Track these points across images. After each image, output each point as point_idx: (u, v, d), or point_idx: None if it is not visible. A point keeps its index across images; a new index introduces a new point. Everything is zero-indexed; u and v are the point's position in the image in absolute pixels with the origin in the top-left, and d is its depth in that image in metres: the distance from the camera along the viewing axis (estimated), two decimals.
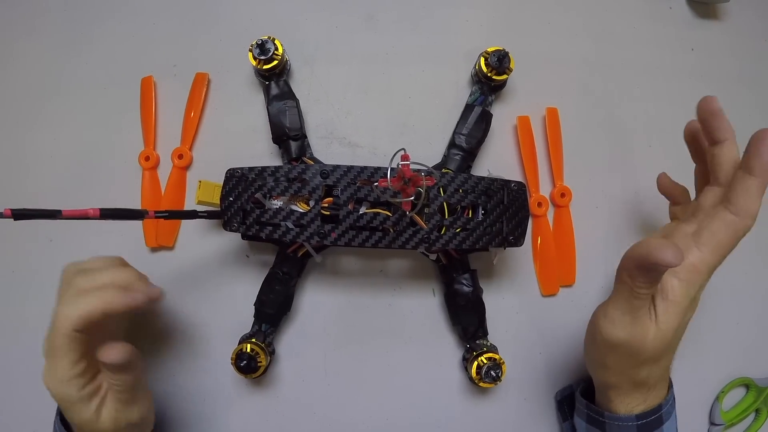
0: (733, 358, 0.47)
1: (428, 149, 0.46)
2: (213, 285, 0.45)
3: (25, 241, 0.46)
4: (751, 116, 0.50)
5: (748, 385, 0.47)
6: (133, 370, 0.34)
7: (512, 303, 0.46)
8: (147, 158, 0.46)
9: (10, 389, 0.46)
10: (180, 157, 0.46)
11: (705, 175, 0.38)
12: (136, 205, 0.46)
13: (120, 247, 0.45)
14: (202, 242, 0.45)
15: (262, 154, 0.46)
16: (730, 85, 0.50)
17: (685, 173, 0.48)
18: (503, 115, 0.47)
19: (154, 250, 0.46)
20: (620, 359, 0.35)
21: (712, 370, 0.47)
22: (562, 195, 0.46)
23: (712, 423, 0.46)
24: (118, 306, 0.33)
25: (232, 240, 0.45)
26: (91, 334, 0.33)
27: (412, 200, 0.35)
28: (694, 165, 0.48)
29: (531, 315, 0.46)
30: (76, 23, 0.49)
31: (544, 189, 0.46)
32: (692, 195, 0.41)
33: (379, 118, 0.47)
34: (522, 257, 0.46)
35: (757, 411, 0.48)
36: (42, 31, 0.49)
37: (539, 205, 0.45)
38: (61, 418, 0.36)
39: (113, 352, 0.33)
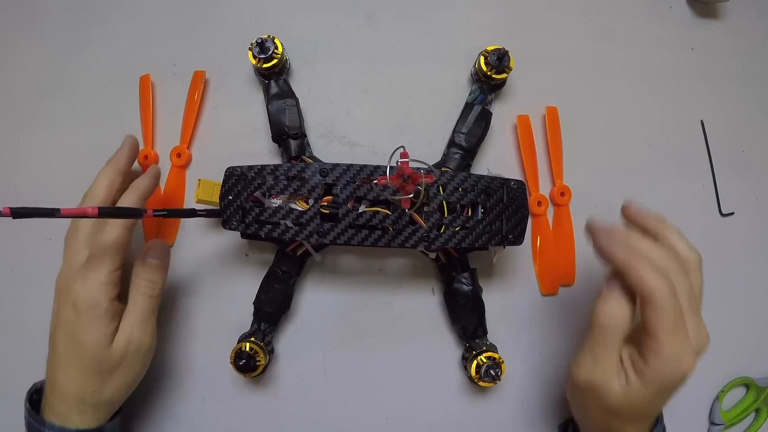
0: (733, 357, 0.47)
1: (428, 148, 0.46)
2: (212, 283, 0.45)
3: (24, 239, 0.46)
4: (751, 116, 0.50)
5: (748, 384, 0.47)
6: (165, 269, 0.39)
7: (512, 302, 0.46)
8: (146, 157, 0.46)
9: (10, 388, 0.45)
10: (178, 155, 0.46)
11: None
12: None
13: None
14: (202, 241, 0.45)
15: (262, 152, 0.46)
16: (730, 84, 0.50)
17: (685, 173, 0.48)
18: (503, 114, 0.47)
19: None
20: (586, 402, 0.35)
21: (712, 369, 0.47)
22: (562, 194, 0.46)
23: (712, 422, 0.46)
24: (152, 186, 0.40)
25: (231, 238, 0.45)
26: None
27: (411, 198, 0.35)
28: (694, 162, 0.48)
29: (531, 314, 0.46)
30: (75, 22, 0.49)
31: (544, 188, 0.46)
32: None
33: (378, 117, 0.47)
34: (521, 256, 0.46)
35: (757, 411, 0.48)
36: (42, 31, 0.49)
37: (539, 204, 0.45)
38: (29, 400, 0.38)
39: (158, 245, 0.39)
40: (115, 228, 0.36)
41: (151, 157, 0.46)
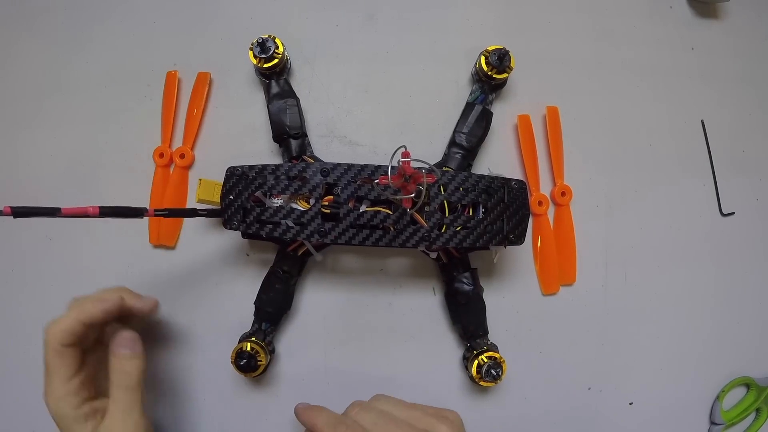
0: (733, 357, 0.47)
1: (429, 148, 0.46)
2: (213, 283, 0.45)
3: (25, 239, 0.46)
4: (751, 116, 0.50)
5: (748, 384, 0.47)
6: (140, 358, 0.37)
7: (512, 302, 0.46)
8: (161, 155, 0.46)
9: (9, 388, 0.45)
10: (182, 156, 0.46)
11: None
12: (137, 203, 0.45)
13: (122, 244, 0.46)
14: (203, 240, 0.45)
15: (263, 152, 0.46)
16: (730, 84, 0.50)
17: (685, 173, 0.48)
18: (504, 114, 0.47)
19: (156, 247, 0.45)
20: None
21: (712, 369, 0.47)
22: (563, 194, 0.46)
23: (712, 422, 0.46)
24: (93, 312, 0.35)
25: (232, 238, 0.45)
26: (83, 350, 0.36)
27: (412, 197, 0.35)
28: (694, 162, 0.48)
29: (531, 314, 0.46)
30: (76, 22, 0.49)
31: (545, 188, 0.46)
32: None
33: (379, 117, 0.47)
34: (522, 256, 0.46)
35: (757, 410, 0.48)
36: (42, 31, 0.49)
37: (540, 203, 0.45)
38: None
39: (127, 335, 0.37)
40: (59, 327, 0.34)
41: (167, 156, 0.46)
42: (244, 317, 0.43)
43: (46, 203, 0.46)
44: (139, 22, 0.49)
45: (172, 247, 0.45)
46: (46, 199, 0.46)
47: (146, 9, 0.49)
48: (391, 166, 0.34)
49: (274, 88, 0.44)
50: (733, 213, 0.48)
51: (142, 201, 0.46)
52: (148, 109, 0.47)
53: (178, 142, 0.46)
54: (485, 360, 0.41)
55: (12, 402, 0.45)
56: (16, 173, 0.47)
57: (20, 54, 0.49)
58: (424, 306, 0.45)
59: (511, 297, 0.46)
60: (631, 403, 0.46)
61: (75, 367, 0.35)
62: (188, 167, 0.46)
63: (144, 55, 0.48)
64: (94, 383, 0.37)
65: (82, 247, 0.46)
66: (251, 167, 0.39)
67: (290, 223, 0.38)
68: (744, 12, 0.51)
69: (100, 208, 0.32)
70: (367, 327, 0.45)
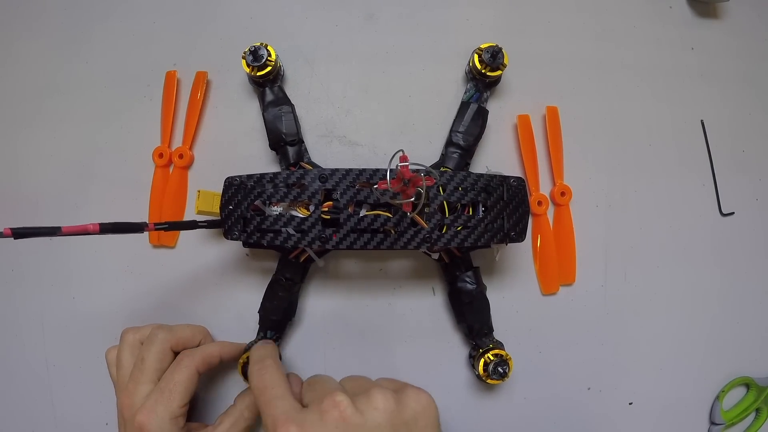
0: (733, 357, 0.47)
1: (429, 148, 0.46)
2: (214, 284, 0.45)
3: (24, 239, 0.46)
4: (751, 116, 0.50)
5: (748, 384, 0.47)
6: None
7: (512, 302, 0.46)
8: (161, 155, 0.46)
9: (9, 388, 0.45)
10: (180, 156, 0.45)
11: None
12: (136, 203, 0.46)
13: (122, 244, 0.45)
14: (203, 248, 0.45)
15: (263, 153, 0.46)
16: (730, 84, 0.50)
17: (685, 173, 0.48)
18: (503, 114, 0.47)
19: (156, 247, 0.45)
20: None
21: (712, 369, 0.47)
22: (563, 194, 0.46)
23: (712, 422, 0.46)
24: (233, 353, 0.41)
25: (233, 246, 0.45)
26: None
27: (412, 201, 0.35)
28: (694, 162, 0.48)
29: (531, 314, 0.46)
30: (75, 22, 0.49)
31: (545, 188, 0.46)
32: None
33: (379, 117, 0.47)
34: (522, 256, 0.46)
35: (757, 410, 0.48)
36: (42, 31, 0.49)
37: (539, 203, 0.45)
38: None
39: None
40: (187, 369, 0.37)
41: (166, 156, 0.45)
42: (246, 319, 0.43)
43: (45, 203, 0.47)
44: (139, 22, 0.49)
45: (173, 247, 0.45)
46: (46, 199, 0.46)
47: (146, 9, 0.49)
48: (390, 170, 0.34)
49: (269, 96, 0.44)
50: (732, 213, 0.48)
51: (142, 201, 0.46)
52: (148, 108, 0.47)
53: (178, 142, 0.46)
54: (492, 358, 0.41)
55: (12, 402, 0.45)
56: (16, 173, 0.47)
57: (20, 54, 0.49)
58: (424, 306, 0.45)
59: (510, 297, 0.46)
60: (630, 403, 0.46)
61: (191, 396, 0.37)
62: (187, 167, 0.46)
63: (144, 54, 0.48)
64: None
65: (82, 247, 0.46)
66: (249, 176, 0.39)
67: (291, 231, 0.38)
68: (744, 12, 0.51)
69: (101, 225, 0.32)
70: (368, 328, 0.45)
